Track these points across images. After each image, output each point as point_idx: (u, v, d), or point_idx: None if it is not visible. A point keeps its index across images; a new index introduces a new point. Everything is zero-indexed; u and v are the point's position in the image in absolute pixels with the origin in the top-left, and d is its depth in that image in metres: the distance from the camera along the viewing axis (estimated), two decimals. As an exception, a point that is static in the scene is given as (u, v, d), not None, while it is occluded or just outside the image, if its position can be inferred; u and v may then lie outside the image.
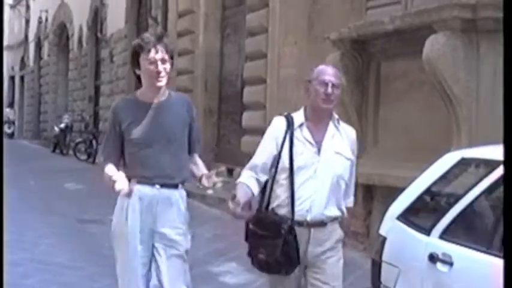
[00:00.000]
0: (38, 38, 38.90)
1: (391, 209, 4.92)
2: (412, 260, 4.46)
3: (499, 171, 4.19)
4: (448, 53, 7.53)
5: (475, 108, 7.58)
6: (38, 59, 39.31)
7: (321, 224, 4.64)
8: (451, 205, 4.46)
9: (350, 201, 4.92)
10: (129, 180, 4.73)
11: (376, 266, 4.77)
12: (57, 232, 10.90)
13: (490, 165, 4.34)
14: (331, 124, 4.73)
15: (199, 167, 5.05)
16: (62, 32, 34.71)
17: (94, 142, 24.13)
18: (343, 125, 4.82)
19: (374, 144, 9.44)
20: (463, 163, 4.74)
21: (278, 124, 4.74)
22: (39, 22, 37.80)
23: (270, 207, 4.70)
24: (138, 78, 4.86)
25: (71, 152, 26.33)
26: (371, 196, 9.32)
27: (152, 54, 4.67)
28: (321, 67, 4.74)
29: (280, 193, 4.64)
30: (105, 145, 5.00)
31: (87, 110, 29.08)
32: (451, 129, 7.71)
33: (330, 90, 4.58)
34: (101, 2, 27.39)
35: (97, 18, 28.27)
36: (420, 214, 4.80)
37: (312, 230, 4.62)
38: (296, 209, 4.59)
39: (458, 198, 4.42)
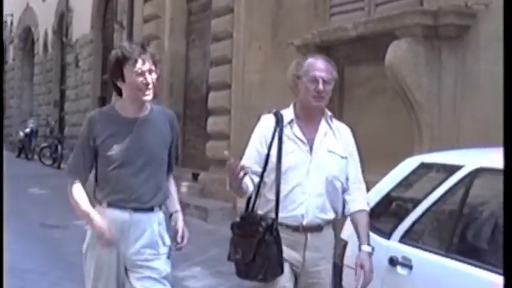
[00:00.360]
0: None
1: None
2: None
3: (458, 175, 4.26)
4: (410, 59, 7.64)
5: (436, 113, 7.67)
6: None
7: (318, 228, 4.27)
8: (410, 209, 4.54)
9: (360, 203, 4.34)
10: (100, 202, 4.38)
11: (338, 270, 4.80)
12: (20, 237, 10.84)
13: (449, 169, 4.41)
14: (323, 121, 4.36)
15: (172, 196, 4.64)
16: (27, 36, 34.47)
17: (59, 147, 23.97)
18: (336, 123, 4.43)
19: (338, 149, 9.50)
20: (423, 168, 4.79)
21: (266, 121, 4.36)
22: (4, 26, 37.53)
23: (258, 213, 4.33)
24: (118, 90, 4.41)
25: (36, 156, 26.18)
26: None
27: (139, 65, 4.26)
28: (310, 61, 4.32)
29: (270, 196, 4.25)
30: (75, 159, 4.45)
31: (52, 114, 28.88)
32: (413, 134, 7.80)
33: (321, 87, 4.19)
34: (67, 6, 27.23)
35: (63, 23, 28.10)
36: (381, 218, 4.83)
37: (309, 235, 4.26)
38: (290, 214, 4.20)
39: (417, 202, 4.50)
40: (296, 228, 4.24)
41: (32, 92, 33.35)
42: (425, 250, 4.22)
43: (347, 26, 8.85)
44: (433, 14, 7.63)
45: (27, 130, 28.05)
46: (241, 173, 3.91)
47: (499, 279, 3.48)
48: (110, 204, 4.37)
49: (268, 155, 4.25)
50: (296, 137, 4.27)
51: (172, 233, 4.54)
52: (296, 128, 4.30)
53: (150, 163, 4.38)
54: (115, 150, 4.32)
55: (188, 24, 16.61)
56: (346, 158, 4.35)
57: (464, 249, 4.14)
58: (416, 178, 4.89)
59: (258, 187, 4.29)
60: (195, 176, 14.78)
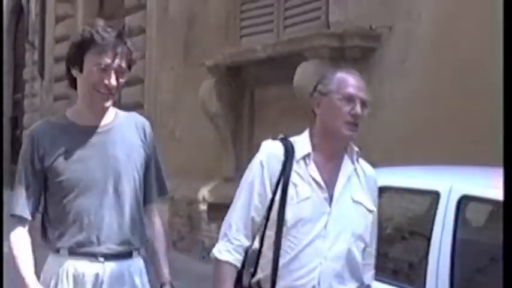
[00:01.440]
0: None
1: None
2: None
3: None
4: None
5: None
6: None
7: None
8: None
9: (370, 276, 3.38)
10: (56, 249, 3.24)
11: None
12: None
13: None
14: (346, 159, 3.26)
15: (159, 249, 3.46)
16: None
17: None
18: (361, 162, 3.33)
19: (249, 168, 9.65)
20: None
21: (271, 152, 3.19)
22: None
23: (255, 280, 3.19)
24: (72, 81, 3.32)
25: None
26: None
27: (107, 57, 3.16)
28: (343, 75, 3.23)
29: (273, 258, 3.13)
30: (15, 193, 3.26)
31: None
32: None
33: (359, 110, 3.11)
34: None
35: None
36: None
37: None
38: (296, 282, 3.11)
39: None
40: None
41: None
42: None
43: (256, 48, 9.01)
44: (339, 37, 7.83)
45: None
46: None
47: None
48: (72, 252, 3.21)
49: (273, 201, 3.14)
50: (312, 178, 3.15)
51: None
52: (313, 166, 3.17)
53: (121, 188, 3.26)
54: (71, 172, 3.20)
55: (101, 44, 16.55)
56: (372, 212, 3.26)
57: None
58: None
59: (256, 246, 3.20)
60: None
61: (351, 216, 3.16)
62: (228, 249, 3.14)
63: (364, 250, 3.23)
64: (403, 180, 4.53)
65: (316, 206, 3.11)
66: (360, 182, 3.25)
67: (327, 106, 3.16)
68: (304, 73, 7.87)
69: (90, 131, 3.27)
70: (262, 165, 3.16)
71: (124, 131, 3.33)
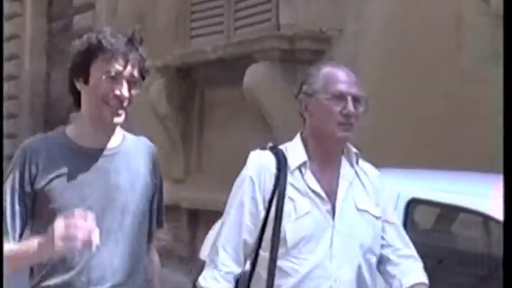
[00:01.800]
0: None
1: (211, 233, 4.96)
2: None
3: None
4: (267, 82, 7.83)
5: (293, 135, 7.85)
6: None
7: None
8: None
9: (418, 275, 2.94)
10: None
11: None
12: None
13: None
14: (344, 162, 2.93)
15: (155, 283, 3.15)
16: None
17: None
18: (362, 164, 3.00)
19: (198, 169, 9.62)
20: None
21: (261, 163, 2.83)
22: None
23: None
24: (75, 96, 2.90)
25: None
26: (196, 220, 9.46)
27: (117, 64, 2.75)
28: (329, 70, 2.89)
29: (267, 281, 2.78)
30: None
31: None
32: (271, 155, 7.98)
33: (351, 108, 2.81)
34: None
35: None
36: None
37: None
38: None
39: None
40: None
41: None
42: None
43: (206, 49, 8.97)
44: (290, 39, 7.83)
45: None
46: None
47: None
48: None
49: (267, 219, 2.78)
50: (310, 189, 2.80)
51: None
52: (310, 176, 2.82)
53: (121, 223, 2.82)
54: (65, 199, 2.73)
55: (50, 45, 16.41)
56: (380, 218, 2.93)
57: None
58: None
59: (253, 266, 2.84)
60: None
61: (357, 228, 2.82)
62: (215, 277, 2.77)
63: (376, 263, 2.90)
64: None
65: (318, 220, 2.76)
66: (363, 186, 2.93)
67: (315, 108, 2.85)
68: (254, 75, 7.87)
69: (93, 153, 2.83)
70: (252, 181, 2.80)
71: (130, 158, 2.91)
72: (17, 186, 2.76)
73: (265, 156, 2.85)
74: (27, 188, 2.75)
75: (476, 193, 4.02)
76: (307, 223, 2.75)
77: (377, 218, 2.90)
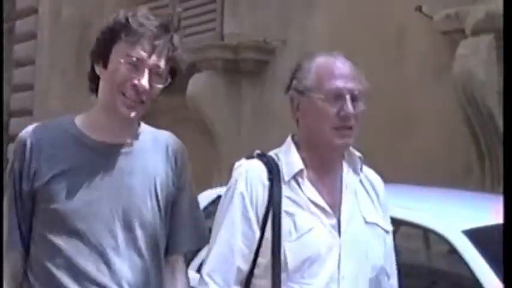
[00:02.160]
0: None
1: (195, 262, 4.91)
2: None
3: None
4: (210, 92, 7.83)
5: (235, 146, 7.84)
6: None
7: None
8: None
9: None
10: None
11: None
12: None
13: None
14: (347, 169, 2.51)
15: None
16: None
17: None
18: (366, 171, 2.59)
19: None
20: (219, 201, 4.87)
21: (253, 175, 2.41)
22: None
23: None
24: (93, 81, 2.54)
25: None
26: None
27: (141, 49, 2.37)
28: (322, 61, 2.50)
29: None
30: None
31: None
32: (213, 166, 7.94)
33: (349, 108, 2.39)
34: None
35: None
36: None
37: None
38: None
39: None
40: None
41: None
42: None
43: (150, 57, 8.93)
44: (233, 49, 7.84)
45: None
46: None
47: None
48: None
49: (261, 240, 2.36)
50: (311, 202, 2.39)
51: None
52: (308, 186, 2.41)
53: (134, 231, 2.41)
54: (70, 201, 2.35)
55: (-10, 48, 16.21)
56: (389, 232, 2.57)
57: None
58: (214, 211, 4.96)
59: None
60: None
61: (367, 245, 2.44)
62: None
63: (387, 285, 2.54)
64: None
65: (323, 238, 2.35)
66: (369, 196, 2.53)
67: (308, 109, 2.42)
68: (197, 84, 7.84)
69: (105, 149, 2.42)
70: (242, 196, 2.37)
71: (148, 156, 2.48)
72: (16, 188, 2.40)
73: (254, 166, 2.42)
74: (26, 187, 2.38)
75: (416, 207, 4.04)
76: (311, 242, 2.33)
77: (387, 232, 2.53)
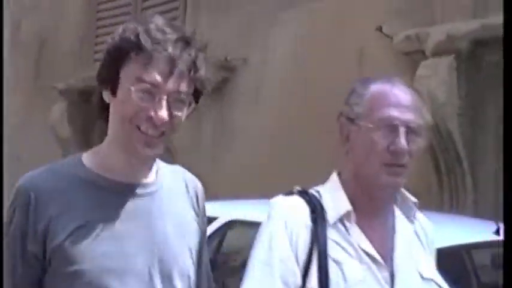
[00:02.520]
0: None
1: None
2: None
3: (213, 226, 4.37)
4: (169, 108, 7.79)
5: (196, 163, 7.74)
6: None
7: None
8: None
9: None
10: None
11: None
12: None
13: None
14: (399, 215, 2.22)
15: None
16: None
17: None
18: (418, 217, 2.26)
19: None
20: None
21: (294, 215, 2.11)
22: None
23: None
24: (102, 109, 2.10)
25: None
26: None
27: (155, 72, 1.92)
28: (378, 88, 2.14)
29: None
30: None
31: None
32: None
33: (402, 143, 2.06)
34: None
35: None
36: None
37: None
38: None
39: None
40: None
41: None
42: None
43: (110, 73, 8.89)
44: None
45: None
46: None
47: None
48: None
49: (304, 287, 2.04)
50: (361, 250, 2.09)
51: None
52: (357, 232, 2.12)
53: (173, 284, 2.04)
54: (97, 258, 1.93)
55: None
56: None
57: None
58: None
59: None
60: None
61: None
62: None
63: None
64: (248, 213, 4.54)
65: None
66: (423, 247, 2.22)
67: (357, 139, 2.12)
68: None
69: (125, 190, 2.01)
70: (281, 237, 2.06)
71: (173, 196, 2.11)
72: (18, 249, 1.94)
73: (295, 204, 2.11)
74: (34, 248, 1.92)
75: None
76: None
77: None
